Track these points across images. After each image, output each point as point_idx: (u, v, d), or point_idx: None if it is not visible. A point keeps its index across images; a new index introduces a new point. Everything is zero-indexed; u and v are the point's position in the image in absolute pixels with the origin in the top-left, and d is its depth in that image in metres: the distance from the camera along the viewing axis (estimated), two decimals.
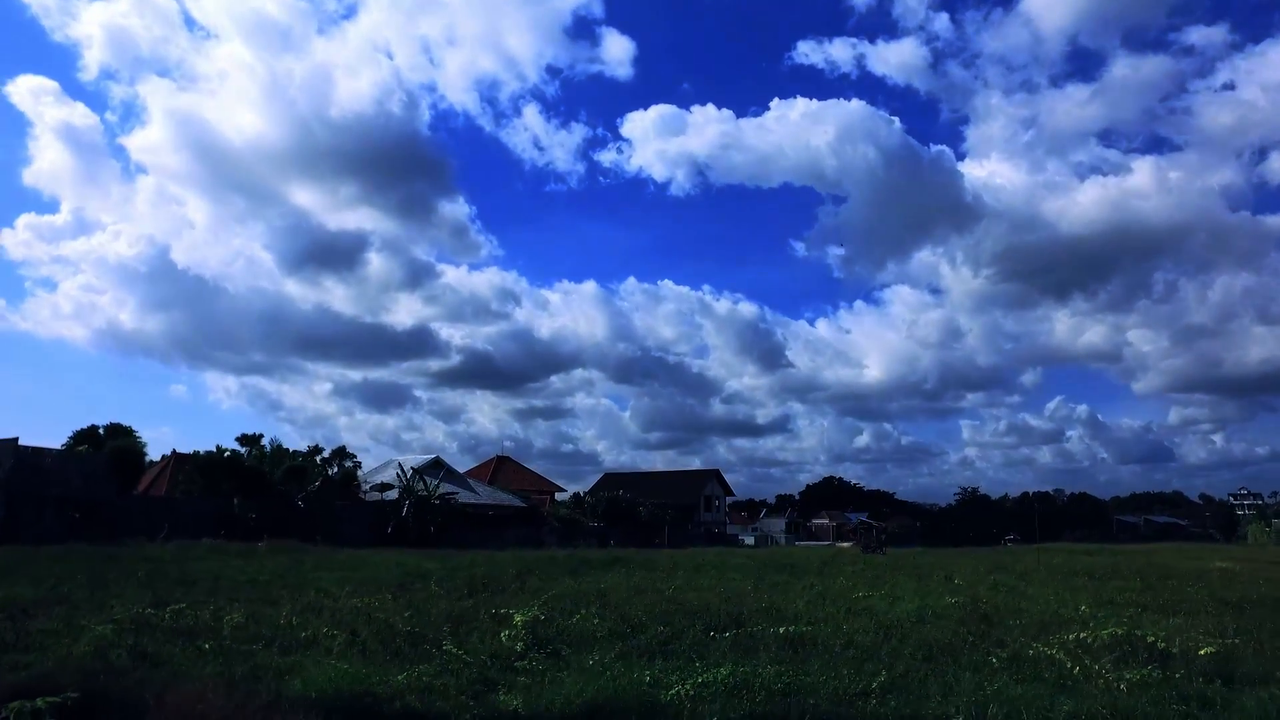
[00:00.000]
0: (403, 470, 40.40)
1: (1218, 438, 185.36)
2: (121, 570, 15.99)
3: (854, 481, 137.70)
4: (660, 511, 57.41)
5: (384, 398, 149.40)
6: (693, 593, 13.69)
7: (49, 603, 10.34)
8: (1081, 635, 7.98)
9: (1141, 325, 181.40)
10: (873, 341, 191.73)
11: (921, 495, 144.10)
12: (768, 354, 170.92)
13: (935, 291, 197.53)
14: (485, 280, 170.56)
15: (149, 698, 4.39)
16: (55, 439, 68.77)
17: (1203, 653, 7.20)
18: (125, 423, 53.55)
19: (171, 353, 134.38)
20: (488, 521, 43.42)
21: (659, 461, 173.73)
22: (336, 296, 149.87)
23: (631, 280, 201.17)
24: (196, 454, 38.64)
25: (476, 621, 9.38)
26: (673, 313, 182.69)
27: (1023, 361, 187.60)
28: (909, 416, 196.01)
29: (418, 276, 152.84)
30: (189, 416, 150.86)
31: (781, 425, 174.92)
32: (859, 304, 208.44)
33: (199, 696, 4.41)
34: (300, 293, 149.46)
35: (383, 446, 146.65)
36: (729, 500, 76.56)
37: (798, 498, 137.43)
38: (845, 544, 50.74)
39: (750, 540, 67.25)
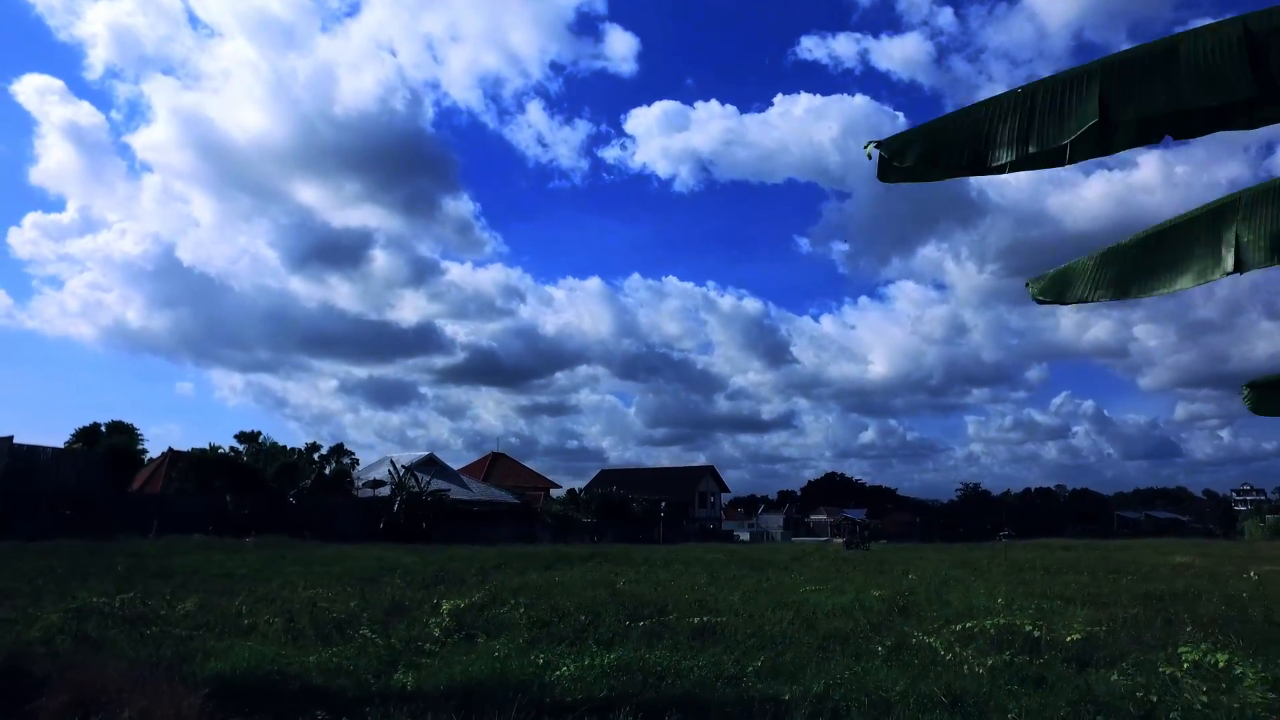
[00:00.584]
0: (395, 467, 41.08)
1: (1225, 433, 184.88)
2: (103, 564, 16.63)
3: (856, 478, 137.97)
4: (654, 508, 58.00)
5: (389, 395, 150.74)
6: (645, 585, 14.24)
7: (19, 594, 10.96)
8: (968, 625, 8.48)
9: (1148, 321, 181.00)
10: (877, 337, 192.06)
11: (926, 491, 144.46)
12: (772, 350, 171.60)
13: (940, 287, 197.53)
14: (489, 277, 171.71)
15: (55, 676, 4.97)
16: (60, 437, 69.81)
17: (1069, 639, 7.69)
18: (130, 420, 54.57)
19: (178, 350, 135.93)
20: (480, 518, 44.07)
21: (664, 458, 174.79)
22: (341, 294, 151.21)
23: (636, 276, 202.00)
24: (192, 452, 39.41)
25: (415, 610, 9.95)
26: (677, 309, 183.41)
27: (1028, 357, 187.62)
28: (914, 412, 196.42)
29: (422, 273, 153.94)
30: (195, 413, 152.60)
31: (786, 421, 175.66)
32: (864, 300, 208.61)
33: (101, 674, 4.97)
34: (305, 290, 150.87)
35: (388, 443, 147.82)
36: (725, 496, 77.20)
37: (799, 494, 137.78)
38: (840, 540, 51.12)
39: (745, 536, 67.77)
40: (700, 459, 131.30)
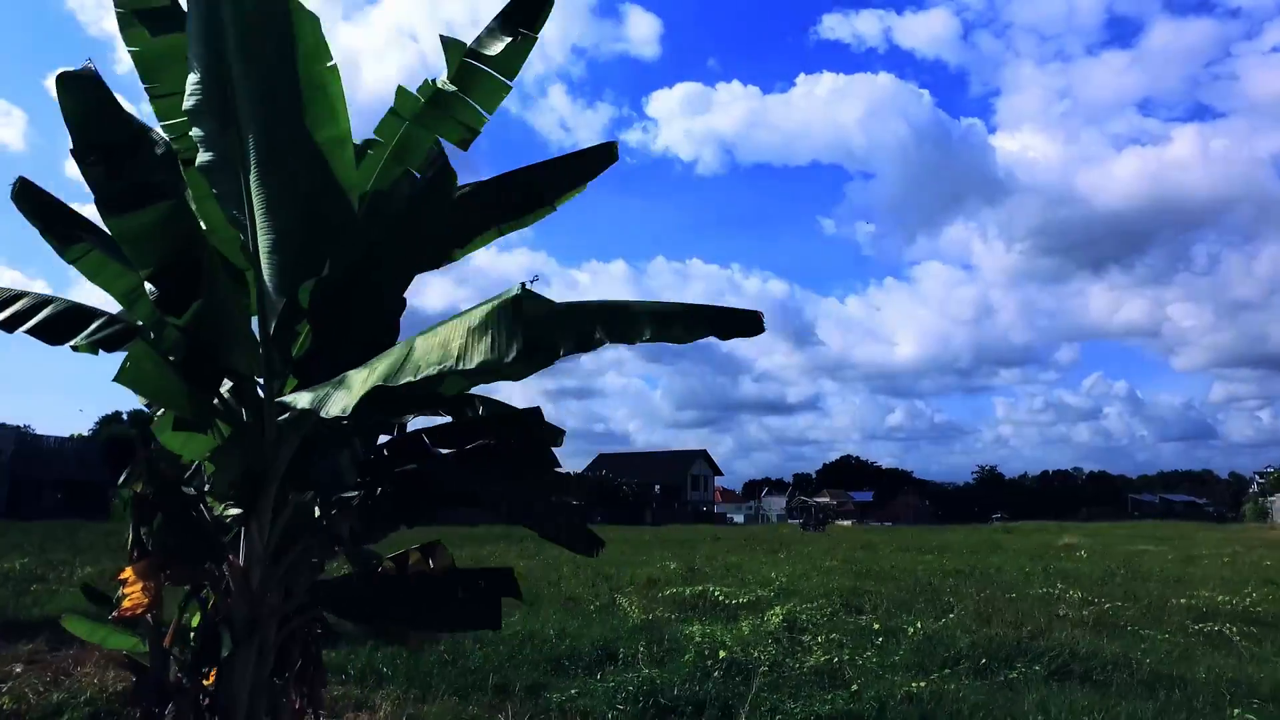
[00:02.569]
0: None
1: (1264, 414, 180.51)
2: (71, 540, 18.85)
3: (872, 460, 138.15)
4: (645, 491, 59.81)
5: None
6: (562, 560, 15.94)
7: None
8: (672, 591, 10.17)
9: (1182, 299, 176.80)
10: (904, 318, 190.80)
11: (954, 474, 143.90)
12: (798, 332, 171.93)
13: (967, 267, 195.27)
14: (515, 261, 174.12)
15: None
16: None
17: (735, 601, 9.28)
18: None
19: None
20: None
21: (691, 440, 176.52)
22: None
23: (660, 259, 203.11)
24: None
25: None
26: (702, 291, 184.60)
27: (1059, 337, 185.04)
28: (942, 394, 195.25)
29: None
30: None
31: (812, 403, 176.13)
32: (889, 280, 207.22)
33: None
34: None
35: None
36: (719, 480, 78.76)
37: (815, 476, 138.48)
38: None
39: (739, 519, 69.26)
40: (728, 441, 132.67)
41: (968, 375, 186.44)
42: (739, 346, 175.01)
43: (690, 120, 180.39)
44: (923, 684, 5.77)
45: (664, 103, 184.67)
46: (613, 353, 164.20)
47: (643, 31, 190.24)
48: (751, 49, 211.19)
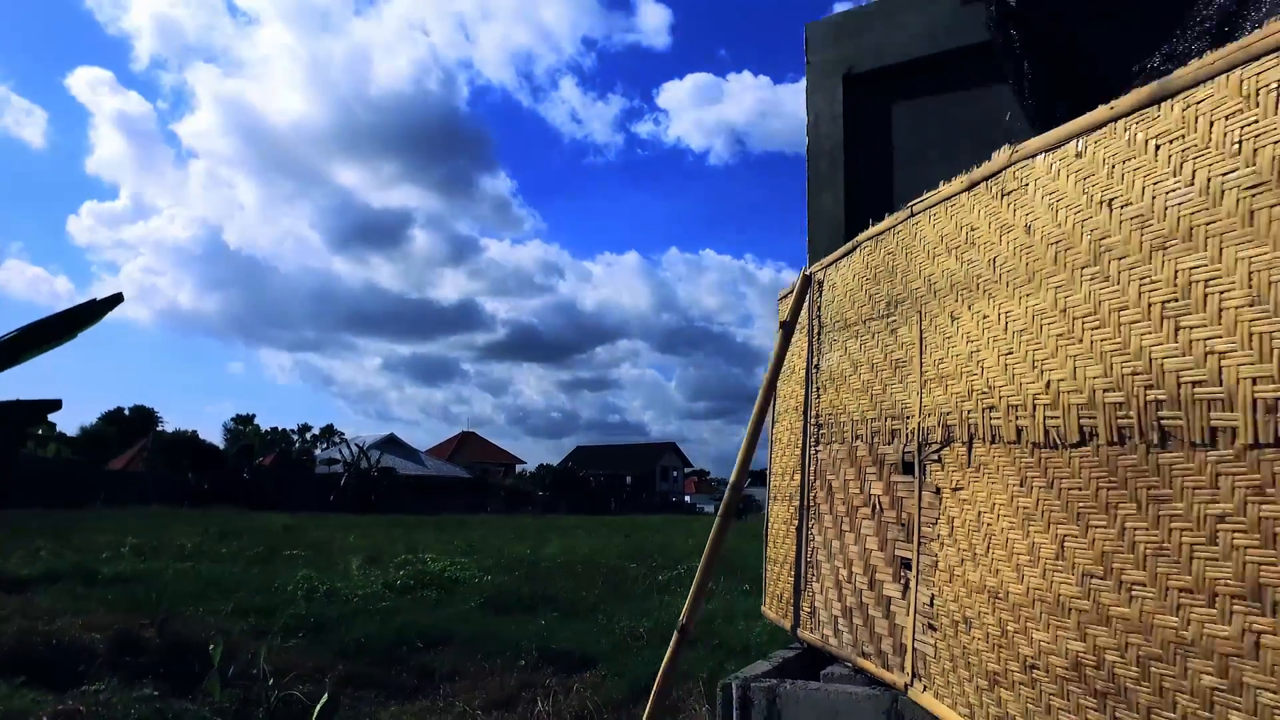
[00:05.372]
0: (349, 446, 45.60)
1: None
2: (18, 527, 20.95)
3: None
4: (614, 481, 61.93)
5: (432, 372, 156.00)
6: (456, 540, 18.06)
7: None
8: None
9: None
10: None
11: None
12: None
13: None
14: (528, 254, 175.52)
15: None
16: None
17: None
18: (182, 401, 60.49)
19: (228, 331, 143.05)
20: (434, 491, 48.48)
21: (705, 431, 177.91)
22: (383, 273, 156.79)
23: (674, 250, 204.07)
24: (174, 433, 44.40)
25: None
26: (715, 282, 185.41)
27: None
28: None
29: (462, 251, 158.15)
30: (247, 393, 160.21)
31: None
32: None
33: None
34: (348, 270, 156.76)
35: (433, 420, 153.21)
36: (687, 470, 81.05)
37: None
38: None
39: (710, 509, 71.50)
40: (742, 432, 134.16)
41: None
42: (754, 338, 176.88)
43: (701, 111, 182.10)
44: None
45: (675, 94, 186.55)
46: (626, 343, 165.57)
47: (653, 22, 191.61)
48: (762, 39, 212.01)
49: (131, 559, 12.70)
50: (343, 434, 50.09)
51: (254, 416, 48.22)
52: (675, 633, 2.66)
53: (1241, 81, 1.25)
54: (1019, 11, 2.20)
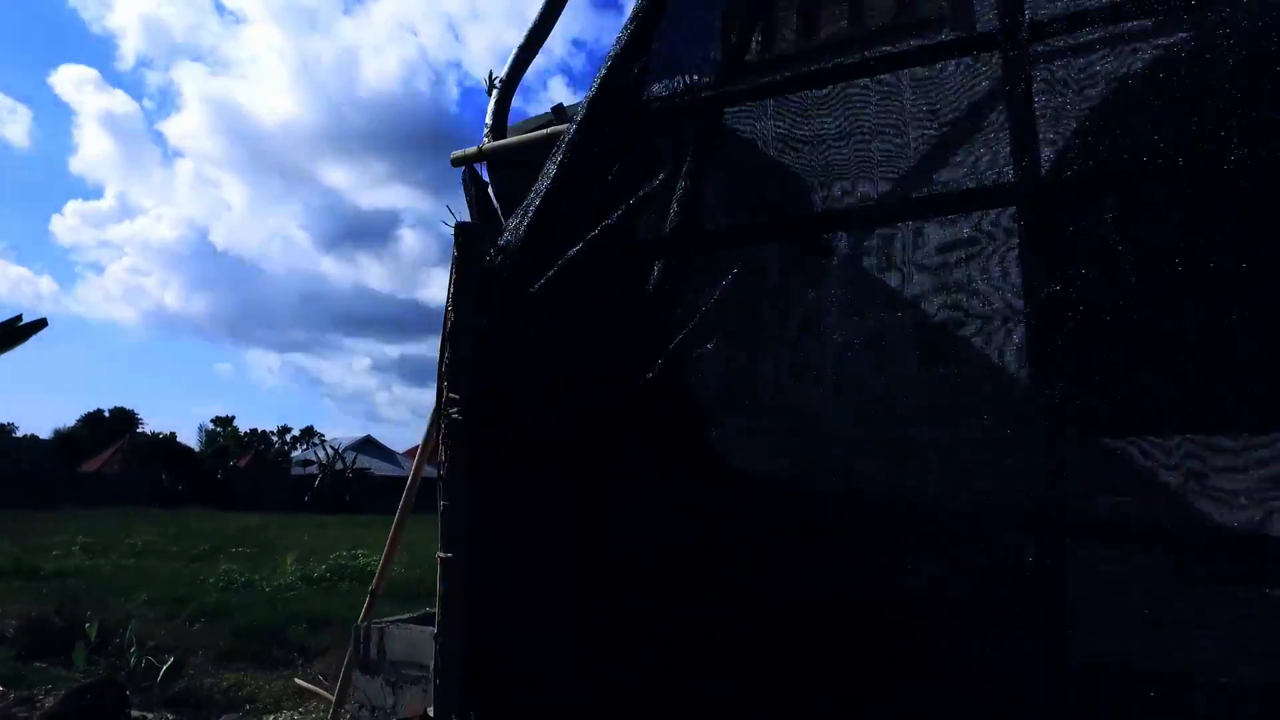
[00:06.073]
0: (324, 447, 46.40)
1: None
2: None
3: None
4: None
5: (421, 373, 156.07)
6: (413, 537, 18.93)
7: None
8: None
9: None
10: None
11: None
12: None
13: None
14: None
15: None
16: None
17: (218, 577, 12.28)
18: (167, 403, 60.88)
19: (215, 331, 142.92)
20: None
21: None
22: (372, 274, 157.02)
23: None
24: (151, 435, 45.09)
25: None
26: None
27: None
28: None
29: (451, 251, 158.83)
30: (233, 394, 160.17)
31: None
32: None
33: None
34: (336, 270, 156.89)
35: (422, 421, 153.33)
36: None
37: None
38: None
39: None
40: None
41: None
42: None
43: None
44: None
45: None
46: None
47: None
48: None
49: (79, 556, 13.58)
50: (321, 435, 50.84)
51: (233, 418, 48.95)
52: (368, 596, 3.61)
53: None
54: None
